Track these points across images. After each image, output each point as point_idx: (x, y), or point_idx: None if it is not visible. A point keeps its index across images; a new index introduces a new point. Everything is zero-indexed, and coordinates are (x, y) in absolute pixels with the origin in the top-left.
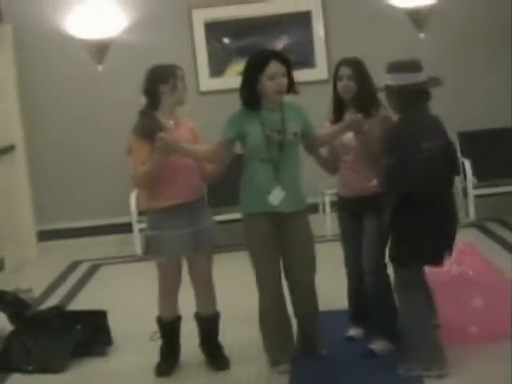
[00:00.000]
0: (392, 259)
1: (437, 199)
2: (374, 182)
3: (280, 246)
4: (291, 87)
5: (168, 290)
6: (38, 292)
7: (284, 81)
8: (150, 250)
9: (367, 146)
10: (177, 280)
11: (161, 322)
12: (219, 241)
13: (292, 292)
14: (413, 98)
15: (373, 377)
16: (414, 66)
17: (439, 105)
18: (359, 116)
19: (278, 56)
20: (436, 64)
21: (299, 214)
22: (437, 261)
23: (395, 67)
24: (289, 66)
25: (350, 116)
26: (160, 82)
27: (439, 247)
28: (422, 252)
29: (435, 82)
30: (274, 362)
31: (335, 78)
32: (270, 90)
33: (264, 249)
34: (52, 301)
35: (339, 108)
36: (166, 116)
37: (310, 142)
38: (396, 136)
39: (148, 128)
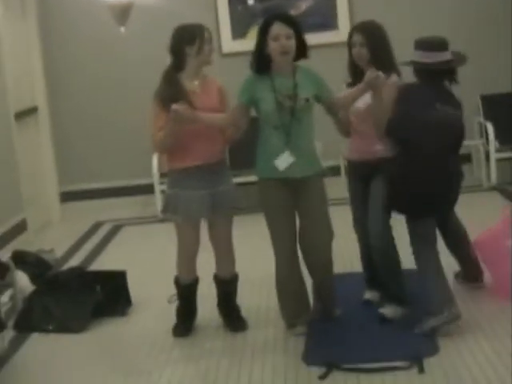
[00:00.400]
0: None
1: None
2: (380, 146)
3: (295, 212)
4: (301, 52)
5: (186, 252)
6: (60, 253)
7: (288, 43)
8: (167, 208)
9: (379, 107)
10: (195, 242)
11: (178, 283)
12: (239, 204)
13: (307, 256)
14: (437, 77)
15: (387, 339)
16: (440, 45)
17: (462, 68)
18: (381, 73)
19: (283, 18)
20: (460, 27)
21: (312, 178)
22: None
23: (422, 45)
24: (298, 29)
25: (370, 74)
26: (186, 42)
27: (425, 202)
28: (407, 203)
29: (460, 60)
30: (290, 325)
31: (349, 44)
32: (274, 52)
33: (277, 213)
34: (74, 261)
35: (355, 72)
36: (190, 77)
37: (330, 106)
38: (411, 87)
39: (169, 97)
